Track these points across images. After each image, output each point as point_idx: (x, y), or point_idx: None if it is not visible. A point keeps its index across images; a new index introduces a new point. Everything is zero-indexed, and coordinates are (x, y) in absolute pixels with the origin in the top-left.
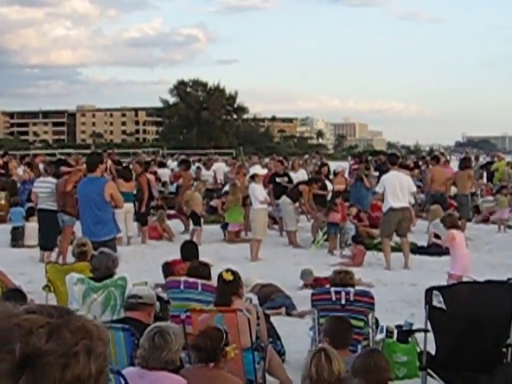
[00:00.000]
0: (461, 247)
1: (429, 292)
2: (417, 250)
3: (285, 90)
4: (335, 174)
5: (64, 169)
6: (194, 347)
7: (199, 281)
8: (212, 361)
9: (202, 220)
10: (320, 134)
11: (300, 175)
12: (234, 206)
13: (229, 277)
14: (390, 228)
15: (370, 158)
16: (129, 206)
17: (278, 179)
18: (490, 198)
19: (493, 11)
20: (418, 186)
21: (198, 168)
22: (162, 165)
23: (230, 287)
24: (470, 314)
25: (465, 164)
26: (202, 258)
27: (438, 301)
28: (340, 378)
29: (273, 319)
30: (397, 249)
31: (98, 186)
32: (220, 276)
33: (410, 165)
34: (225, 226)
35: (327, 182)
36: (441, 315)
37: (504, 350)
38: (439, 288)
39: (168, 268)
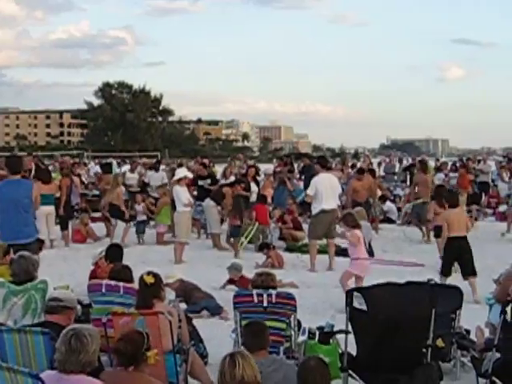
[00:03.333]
0: (361, 247)
1: (349, 293)
2: (341, 252)
3: (211, 92)
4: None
5: None
6: (114, 351)
7: (121, 284)
8: (132, 365)
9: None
10: (245, 136)
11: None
12: (165, 209)
13: (150, 280)
14: (320, 230)
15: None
16: (50, 209)
17: (200, 182)
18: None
19: (418, 16)
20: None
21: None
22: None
23: (151, 290)
24: (391, 316)
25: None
26: (125, 261)
27: (358, 302)
28: (244, 382)
29: (195, 322)
30: (321, 251)
31: (27, 189)
32: (141, 279)
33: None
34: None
35: (252, 184)
36: (361, 316)
37: (424, 350)
38: (360, 289)
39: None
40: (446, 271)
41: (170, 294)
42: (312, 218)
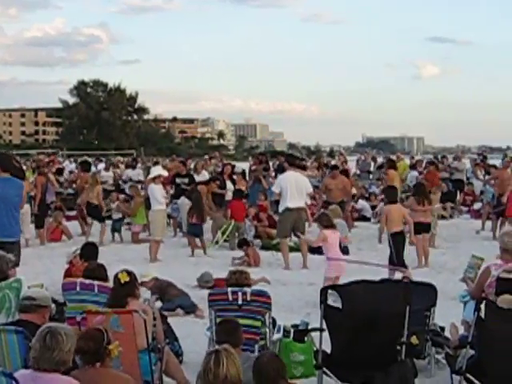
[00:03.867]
0: (332, 248)
1: (324, 291)
2: (315, 249)
3: (187, 90)
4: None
5: None
6: (77, 351)
7: (95, 282)
8: (98, 361)
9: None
10: (221, 134)
11: (202, 178)
12: (140, 209)
13: (125, 278)
14: (286, 228)
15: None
16: (25, 207)
17: (178, 180)
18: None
19: (394, 14)
20: (316, 187)
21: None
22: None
23: (125, 289)
24: (365, 313)
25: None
26: (101, 259)
27: (333, 300)
28: (227, 382)
29: (170, 320)
30: (296, 249)
31: (18, 188)
32: (116, 277)
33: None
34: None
35: (228, 182)
36: (336, 314)
37: (398, 347)
38: (334, 287)
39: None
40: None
41: (145, 293)
42: (278, 216)
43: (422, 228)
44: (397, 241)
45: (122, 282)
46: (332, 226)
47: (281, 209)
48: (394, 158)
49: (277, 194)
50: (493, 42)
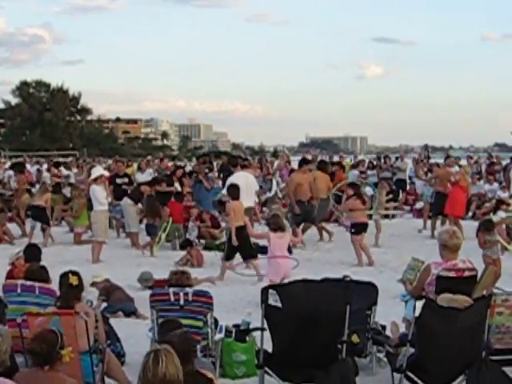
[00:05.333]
0: (275, 250)
1: (265, 291)
2: (259, 249)
3: (130, 90)
4: None
5: None
6: (28, 351)
7: (36, 284)
8: (47, 364)
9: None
10: (165, 135)
11: (147, 175)
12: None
13: (75, 281)
14: None
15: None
16: None
17: (118, 180)
18: None
19: (339, 15)
20: (261, 187)
21: (38, 170)
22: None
23: (74, 292)
24: (306, 312)
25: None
26: (43, 261)
27: (273, 299)
28: (166, 381)
29: (112, 321)
30: None
31: None
32: (66, 279)
33: None
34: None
35: (177, 184)
36: (276, 314)
37: (339, 346)
38: (275, 286)
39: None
40: (230, 257)
41: (88, 294)
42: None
43: (363, 228)
44: (240, 234)
45: (73, 285)
46: (280, 229)
47: None
48: (325, 158)
49: (226, 196)
50: (435, 42)
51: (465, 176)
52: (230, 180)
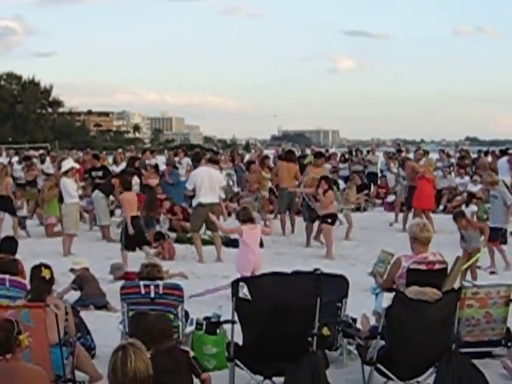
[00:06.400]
0: (246, 243)
1: (235, 283)
2: (230, 242)
3: (102, 83)
4: None
5: None
6: None
7: (7, 277)
8: (8, 352)
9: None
10: (136, 128)
11: (121, 168)
12: (54, 201)
13: (47, 274)
14: (198, 223)
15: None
16: None
17: (93, 173)
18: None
19: (311, 8)
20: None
21: (9, 163)
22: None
23: (47, 285)
24: (276, 305)
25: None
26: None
27: (243, 292)
28: (137, 379)
29: (83, 314)
30: (210, 242)
31: None
32: (39, 272)
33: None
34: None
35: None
36: (247, 306)
37: (310, 339)
38: (245, 279)
39: None
40: (131, 247)
41: (58, 287)
42: (192, 210)
43: (334, 219)
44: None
45: (47, 278)
46: (250, 221)
47: (194, 204)
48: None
49: (189, 190)
50: (407, 36)
51: (429, 168)
52: (192, 175)
